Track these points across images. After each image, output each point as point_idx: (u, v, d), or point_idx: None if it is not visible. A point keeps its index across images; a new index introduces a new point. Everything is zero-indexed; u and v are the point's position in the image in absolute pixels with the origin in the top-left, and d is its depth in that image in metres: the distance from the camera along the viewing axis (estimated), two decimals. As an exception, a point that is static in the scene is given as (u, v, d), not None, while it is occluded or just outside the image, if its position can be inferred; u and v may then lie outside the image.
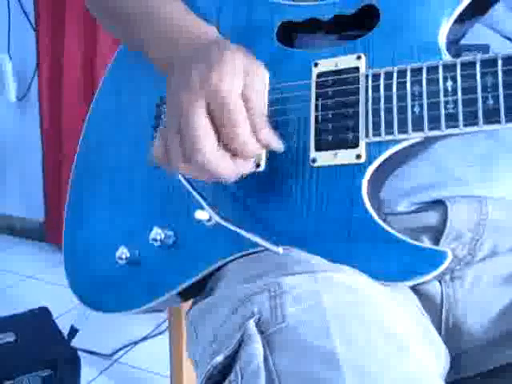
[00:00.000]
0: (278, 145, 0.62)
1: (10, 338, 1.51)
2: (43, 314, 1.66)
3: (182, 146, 0.59)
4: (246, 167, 0.62)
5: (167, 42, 0.70)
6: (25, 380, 1.38)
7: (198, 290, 0.72)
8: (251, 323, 0.50)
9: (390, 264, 0.59)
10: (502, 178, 0.65)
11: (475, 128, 0.56)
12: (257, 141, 0.60)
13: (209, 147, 0.58)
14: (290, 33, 0.71)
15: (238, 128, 0.58)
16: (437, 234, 0.65)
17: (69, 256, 0.84)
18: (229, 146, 0.59)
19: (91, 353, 1.85)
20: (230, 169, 0.60)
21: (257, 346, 0.48)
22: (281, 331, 0.49)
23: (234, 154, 0.60)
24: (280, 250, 0.62)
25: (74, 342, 1.65)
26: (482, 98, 0.55)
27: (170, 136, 0.61)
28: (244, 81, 0.59)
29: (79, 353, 1.54)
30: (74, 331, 1.70)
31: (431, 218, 0.65)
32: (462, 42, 0.63)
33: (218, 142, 0.59)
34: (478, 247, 0.65)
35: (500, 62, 0.55)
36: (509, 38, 0.64)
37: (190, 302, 0.77)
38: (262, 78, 0.61)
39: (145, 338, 1.97)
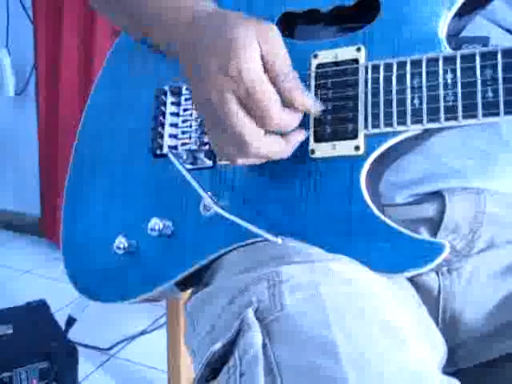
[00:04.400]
0: (315, 106, 0.62)
1: (7, 330, 1.51)
2: (41, 306, 1.66)
3: (231, 142, 0.60)
4: (297, 137, 0.62)
5: (167, 24, 0.70)
6: (22, 372, 1.38)
7: (196, 281, 0.73)
8: (250, 311, 0.50)
9: (387, 255, 0.59)
10: (500, 171, 0.65)
11: (474, 120, 0.56)
12: (292, 104, 0.60)
13: (254, 135, 0.59)
14: (290, 24, 0.71)
15: (266, 109, 0.58)
16: (434, 225, 0.65)
17: (67, 245, 0.84)
18: (265, 126, 0.59)
19: (89, 347, 1.85)
20: (282, 147, 0.61)
21: (255, 334, 0.48)
22: (279, 319, 0.49)
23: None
24: (279, 240, 0.62)
25: (72, 336, 1.65)
26: (482, 90, 0.55)
27: (219, 138, 0.62)
28: (262, 52, 0.58)
29: (77, 347, 1.54)
30: (71, 321, 1.70)
31: (429, 209, 0.65)
32: (462, 34, 0.63)
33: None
34: (475, 239, 0.65)
35: (500, 55, 0.55)
36: (509, 31, 0.64)
37: (188, 295, 0.77)
38: (276, 36, 0.60)
39: (143, 333, 1.97)
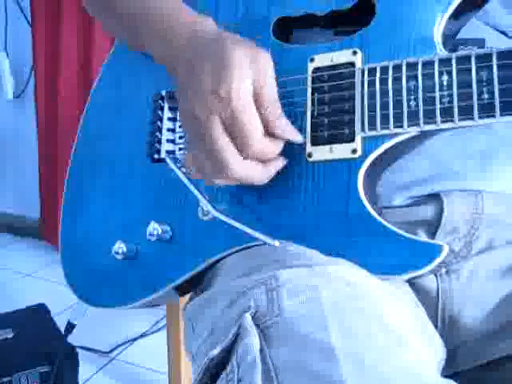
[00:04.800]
0: (297, 138, 0.63)
1: (8, 334, 1.51)
2: (41, 310, 1.66)
3: (211, 162, 0.61)
4: (276, 165, 0.64)
5: (166, 39, 0.70)
6: (23, 376, 1.38)
7: (195, 285, 0.73)
8: (248, 316, 0.50)
9: (386, 258, 0.59)
10: (498, 172, 0.66)
11: (470, 122, 0.56)
12: (274, 137, 0.61)
13: (234, 161, 0.60)
14: (286, 28, 0.71)
15: (251, 138, 0.60)
16: (433, 227, 0.65)
17: (65, 251, 0.84)
18: (244, 153, 0.61)
19: (89, 350, 1.85)
20: (259, 173, 0.62)
21: (253, 339, 0.48)
22: (277, 324, 0.49)
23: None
24: (276, 243, 0.62)
25: (72, 339, 1.65)
26: (477, 92, 0.55)
27: (199, 154, 0.63)
28: (253, 77, 0.59)
29: (77, 350, 1.54)
30: (70, 326, 1.70)
31: (427, 211, 0.65)
32: (458, 36, 0.63)
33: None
34: (473, 241, 0.65)
35: (495, 57, 0.55)
36: (504, 33, 0.64)
37: (187, 298, 0.77)
38: (270, 67, 0.61)
39: (143, 335, 1.97)
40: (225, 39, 0.63)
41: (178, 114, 0.74)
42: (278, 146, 0.62)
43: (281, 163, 0.64)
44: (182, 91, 0.64)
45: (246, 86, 0.59)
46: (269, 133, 0.61)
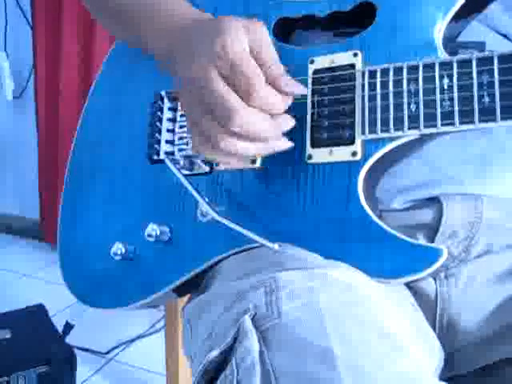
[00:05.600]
0: (301, 90, 0.60)
1: (5, 334, 1.51)
2: (39, 311, 1.66)
3: (215, 119, 0.58)
4: (286, 123, 0.60)
5: (166, 34, 0.70)
6: (20, 376, 1.38)
7: (193, 286, 0.73)
8: (247, 318, 0.50)
9: (385, 261, 0.59)
10: (497, 177, 0.66)
11: (471, 126, 0.56)
12: (279, 91, 0.58)
13: (239, 107, 0.56)
14: (286, 29, 0.71)
15: (254, 84, 0.57)
16: (431, 231, 0.65)
17: (64, 252, 0.84)
18: (250, 101, 0.57)
19: (87, 351, 1.85)
20: (269, 125, 0.59)
21: (252, 341, 0.48)
22: (276, 327, 0.49)
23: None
24: (276, 246, 0.62)
25: (70, 340, 1.65)
26: (478, 95, 0.55)
27: (201, 120, 0.60)
28: (249, 41, 0.57)
29: (75, 351, 1.54)
30: (68, 327, 1.70)
31: (426, 215, 0.65)
32: (458, 39, 0.63)
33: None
34: (472, 245, 0.65)
35: (496, 60, 0.55)
36: (504, 36, 0.64)
37: (186, 299, 0.77)
38: (264, 31, 0.59)
39: (141, 336, 1.97)
40: (221, 17, 0.61)
41: (174, 87, 0.71)
42: (284, 100, 0.59)
43: (290, 122, 0.60)
44: (180, 64, 0.63)
45: (241, 41, 0.57)
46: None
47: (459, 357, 0.67)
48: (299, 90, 0.60)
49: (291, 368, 0.46)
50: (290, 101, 0.60)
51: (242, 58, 0.56)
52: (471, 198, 0.65)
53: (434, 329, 0.66)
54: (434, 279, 0.66)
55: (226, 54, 0.56)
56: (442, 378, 0.65)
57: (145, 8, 0.75)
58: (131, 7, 0.76)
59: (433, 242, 0.65)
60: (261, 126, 0.58)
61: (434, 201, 0.65)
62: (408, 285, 0.66)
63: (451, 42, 0.62)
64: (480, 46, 0.60)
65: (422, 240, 0.65)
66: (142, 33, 0.75)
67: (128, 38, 0.83)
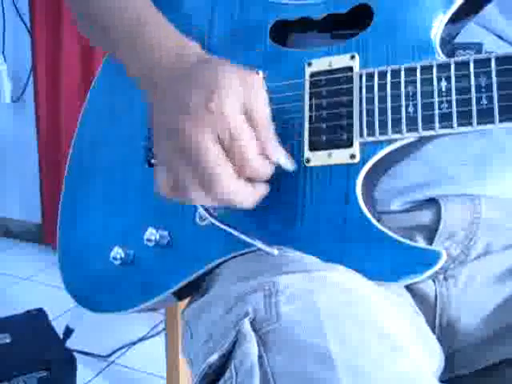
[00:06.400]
0: (288, 162, 0.61)
1: (6, 339, 1.51)
2: (39, 315, 1.66)
3: (197, 177, 0.57)
4: (264, 190, 0.61)
5: (148, 60, 0.66)
6: (21, 381, 1.38)
7: (193, 289, 0.72)
8: (246, 322, 0.50)
9: (384, 264, 0.59)
10: (496, 177, 0.66)
11: (469, 128, 0.56)
12: (267, 159, 0.59)
13: (227, 176, 0.56)
14: (283, 32, 0.71)
15: (247, 153, 0.57)
16: (430, 232, 0.65)
17: (64, 256, 0.84)
18: (241, 171, 0.57)
19: (87, 354, 1.85)
20: (249, 195, 0.59)
21: (251, 345, 0.48)
22: (275, 330, 0.49)
23: (249, 178, 0.59)
24: (275, 251, 0.62)
25: (71, 343, 1.65)
26: (476, 97, 0.55)
27: (180, 170, 0.58)
28: (243, 99, 0.57)
29: (75, 354, 1.54)
30: (69, 331, 1.70)
31: (425, 216, 0.65)
32: (456, 40, 0.63)
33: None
34: (471, 246, 0.65)
35: (493, 62, 0.55)
36: (500, 37, 0.64)
37: (186, 302, 0.77)
38: (261, 90, 0.59)
39: (141, 339, 1.97)
40: (213, 62, 0.61)
41: (152, 124, 0.66)
42: (270, 169, 0.60)
43: (266, 189, 0.61)
44: (160, 103, 0.61)
45: (238, 103, 0.56)
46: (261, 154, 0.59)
47: (459, 358, 0.67)
48: (286, 162, 0.61)
49: (290, 369, 0.46)
50: (273, 167, 0.60)
51: (241, 128, 0.56)
52: (469, 199, 0.65)
53: (434, 330, 0.67)
54: (433, 281, 0.66)
55: (224, 118, 0.56)
56: (442, 380, 0.65)
57: (122, 28, 0.70)
58: (109, 19, 0.72)
59: (432, 242, 0.65)
60: (242, 197, 0.58)
61: (432, 202, 0.65)
62: (407, 286, 0.66)
63: (449, 44, 0.62)
64: (477, 46, 0.60)
65: (421, 241, 0.65)
66: (118, 55, 0.72)
67: (103, 47, 0.81)
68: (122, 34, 0.70)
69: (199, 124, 0.56)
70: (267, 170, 0.60)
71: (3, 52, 2.72)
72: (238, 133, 0.56)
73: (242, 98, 0.57)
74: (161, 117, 0.61)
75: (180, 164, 0.58)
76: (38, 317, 1.65)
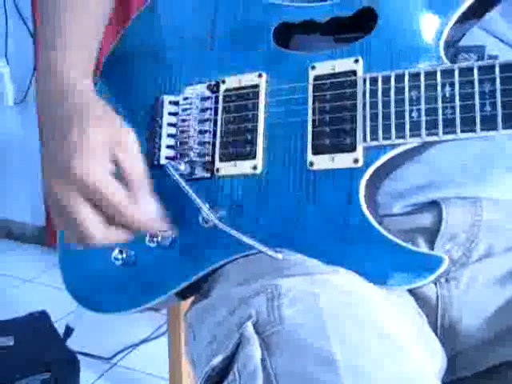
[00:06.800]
0: (156, 210, 0.65)
1: (9, 341, 1.51)
2: (42, 317, 1.66)
3: (73, 232, 0.64)
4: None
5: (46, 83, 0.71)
6: (24, 383, 1.38)
7: (196, 289, 0.72)
8: (249, 325, 0.50)
9: (386, 268, 0.59)
10: (497, 179, 0.66)
11: (472, 134, 0.56)
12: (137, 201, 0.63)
13: (98, 231, 0.62)
14: (287, 34, 0.71)
15: (120, 207, 0.62)
16: (432, 235, 0.65)
17: (64, 256, 0.84)
18: (115, 219, 0.62)
19: (90, 356, 1.85)
20: (121, 237, 0.65)
21: (254, 348, 0.48)
22: (278, 333, 0.49)
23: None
24: (279, 255, 0.62)
25: (74, 345, 1.65)
26: (480, 104, 0.55)
27: (57, 221, 0.65)
28: (112, 157, 0.62)
29: (78, 356, 1.54)
30: (69, 330, 1.70)
31: (426, 219, 0.65)
32: (459, 44, 0.64)
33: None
34: (473, 248, 0.65)
35: (498, 69, 0.55)
36: (501, 40, 0.65)
37: (188, 303, 0.77)
38: (131, 145, 0.63)
39: (144, 341, 1.97)
40: (88, 113, 0.65)
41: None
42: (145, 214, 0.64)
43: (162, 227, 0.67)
44: (45, 145, 0.67)
45: (102, 165, 0.61)
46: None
47: (461, 360, 0.67)
48: (153, 210, 0.65)
49: (292, 370, 0.46)
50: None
51: (106, 186, 0.62)
52: (470, 201, 0.65)
53: (436, 332, 0.67)
54: (435, 283, 0.66)
55: (86, 182, 0.61)
56: (444, 381, 0.65)
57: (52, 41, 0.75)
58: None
59: (433, 245, 0.65)
60: (115, 241, 0.65)
61: (433, 204, 0.65)
62: (409, 289, 0.66)
63: (452, 47, 0.62)
64: (480, 49, 0.60)
65: (422, 244, 0.65)
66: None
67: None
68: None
69: (66, 189, 0.62)
70: (141, 216, 0.63)
71: (6, 55, 2.72)
72: (103, 193, 0.61)
73: (109, 159, 0.62)
74: (44, 162, 0.67)
75: (59, 222, 0.65)
76: (40, 319, 1.65)
